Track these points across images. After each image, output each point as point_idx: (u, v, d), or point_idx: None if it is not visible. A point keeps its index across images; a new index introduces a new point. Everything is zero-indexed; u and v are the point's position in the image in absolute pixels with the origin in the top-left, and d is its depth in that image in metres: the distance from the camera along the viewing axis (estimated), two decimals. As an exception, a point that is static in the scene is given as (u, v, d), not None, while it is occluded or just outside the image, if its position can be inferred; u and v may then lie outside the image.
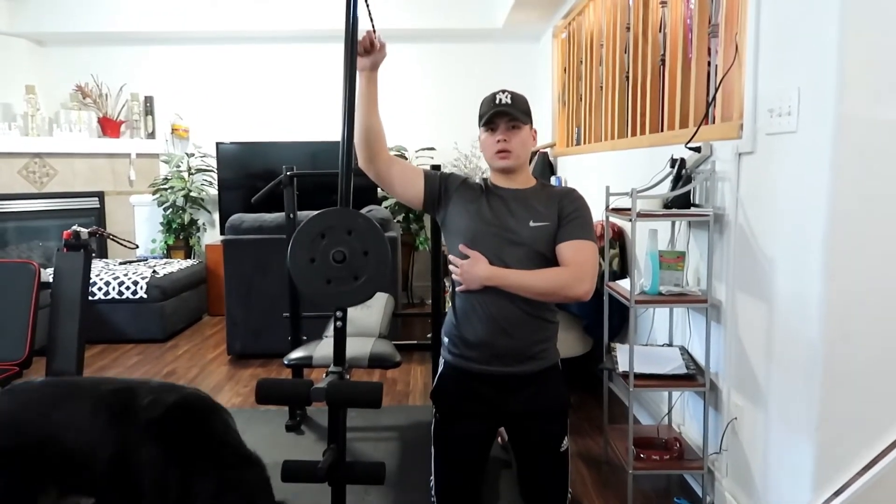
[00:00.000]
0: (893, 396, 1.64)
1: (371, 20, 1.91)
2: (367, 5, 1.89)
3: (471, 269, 1.96)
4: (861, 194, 1.58)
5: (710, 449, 2.16)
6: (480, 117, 2.06)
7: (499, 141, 2.00)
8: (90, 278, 2.70)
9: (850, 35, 1.53)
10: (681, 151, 2.30)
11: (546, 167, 4.79)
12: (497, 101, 2.00)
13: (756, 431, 1.94)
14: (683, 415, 2.46)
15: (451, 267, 2.02)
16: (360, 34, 1.87)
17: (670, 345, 2.47)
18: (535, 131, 2.05)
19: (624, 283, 2.35)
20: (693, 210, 2.20)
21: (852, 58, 1.53)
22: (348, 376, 1.97)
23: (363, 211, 4.15)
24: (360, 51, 1.89)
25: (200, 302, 5.00)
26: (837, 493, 1.62)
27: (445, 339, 2.11)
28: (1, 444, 1.72)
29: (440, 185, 2.09)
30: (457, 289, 2.02)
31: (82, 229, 2.62)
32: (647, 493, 2.25)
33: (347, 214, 1.91)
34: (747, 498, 1.98)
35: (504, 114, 1.98)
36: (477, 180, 2.16)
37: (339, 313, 1.94)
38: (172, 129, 5.50)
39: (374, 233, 1.88)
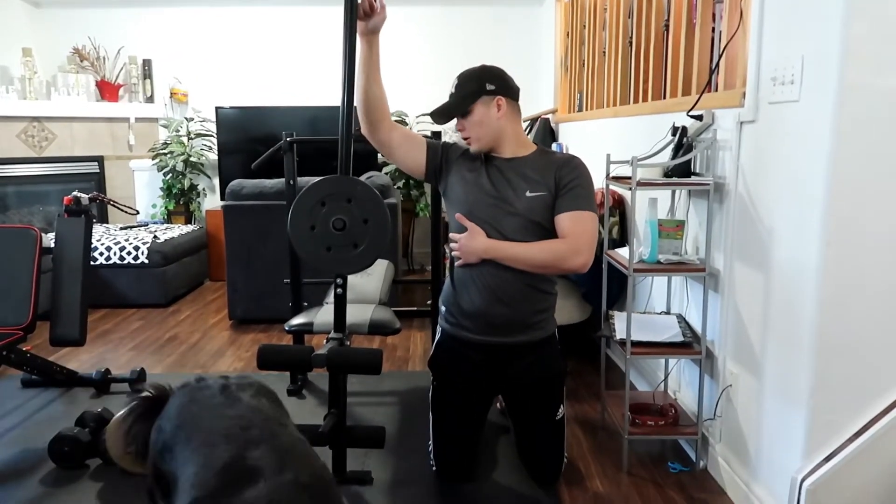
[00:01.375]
0: (885, 365, 1.66)
1: None
2: None
3: (469, 242, 1.97)
4: (862, 165, 1.58)
5: (705, 415, 2.19)
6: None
7: (460, 131, 2.04)
8: (91, 243, 2.71)
9: (854, 4, 1.51)
10: (683, 119, 2.28)
11: (547, 134, 4.77)
12: (440, 106, 2.04)
13: (750, 398, 1.97)
14: (679, 381, 2.49)
15: (450, 245, 2.04)
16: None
17: (668, 313, 2.49)
18: (501, 99, 2.00)
19: (623, 252, 2.36)
20: (693, 179, 2.20)
21: (856, 27, 1.51)
22: (349, 343, 2.00)
23: (363, 177, 4.15)
24: (359, 14, 1.87)
25: (201, 267, 5.02)
26: (827, 459, 1.65)
27: (443, 308, 2.13)
28: None
29: (442, 154, 2.10)
30: (455, 264, 2.04)
31: (83, 195, 2.63)
32: (642, 456, 2.30)
33: (347, 182, 1.92)
34: (740, 463, 2.02)
35: (441, 114, 2.02)
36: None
37: (339, 280, 1.96)
38: (171, 93, 5.46)
39: (374, 201, 1.89)
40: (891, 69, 1.54)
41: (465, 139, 2.05)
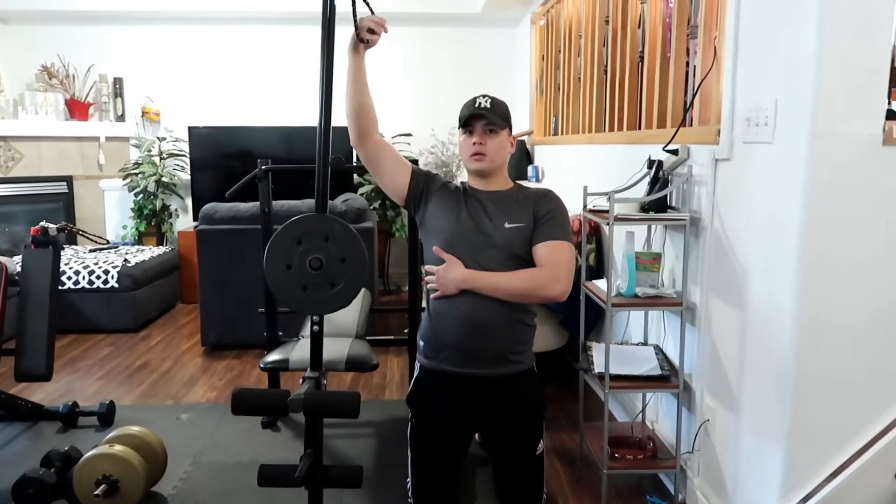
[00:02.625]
0: (861, 405, 1.68)
1: (368, 6, 1.89)
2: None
3: (446, 273, 1.95)
4: (834, 207, 1.60)
5: (683, 448, 2.20)
6: (460, 120, 2.05)
7: (475, 143, 2.00)
8: (59, 275, 2.64)
9: (825, 51, 1.54)
10: (658, 151, 2.30)
11: (523, 155, 4.79)
12: (476, 105, 1.99)
13: (728, 434, 1.97)
14: (657, 412, 2.50)
15: (426, 277, 2.01)
16: (350, 16, 1.84)
17: (645, 343, 2.49)
18: (514, 138, 2.04)
19: (600, 284, 2.37)
20: (670, 214, 2.21)
21: (827, 73, 1.54)
22: (325, 381, 1.96)
23: (339, 199, 4.12)
24: (362, 37, 1.88)
25: (173, 289, 4.93)
26: (805, 500, 1.66)
27: (420, 343, 2.10)
28: None
29: (424, 183, 2.08)
30: (432, 296, 2.01)
31: (50, 225, 2.57)
32: (620, 489, 2.29)
33: (324, 220, 1.89)
34: (718, 498, 2.03)
35: (481, 117, 1.98)
36: (457, 183, 2.16)
37: (315, 318, 1.93)
38: (143, 112, 5.38)
39: (352, 239, 1.87)
40: (861, 115, 1.57)
41: (475, 154, 2.01)
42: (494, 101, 2.02)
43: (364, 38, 1.87)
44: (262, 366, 2.37)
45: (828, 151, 1.57)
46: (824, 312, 1.64)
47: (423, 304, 2.14)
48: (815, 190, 1.59)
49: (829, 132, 1.56)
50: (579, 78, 3.78)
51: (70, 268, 4.17)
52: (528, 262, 1.99)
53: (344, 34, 1.87)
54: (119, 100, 5.35)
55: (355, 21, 1.89)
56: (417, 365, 2.12)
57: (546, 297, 1.92)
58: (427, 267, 2.02)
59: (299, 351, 2.32)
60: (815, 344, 1.65)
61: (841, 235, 1.61)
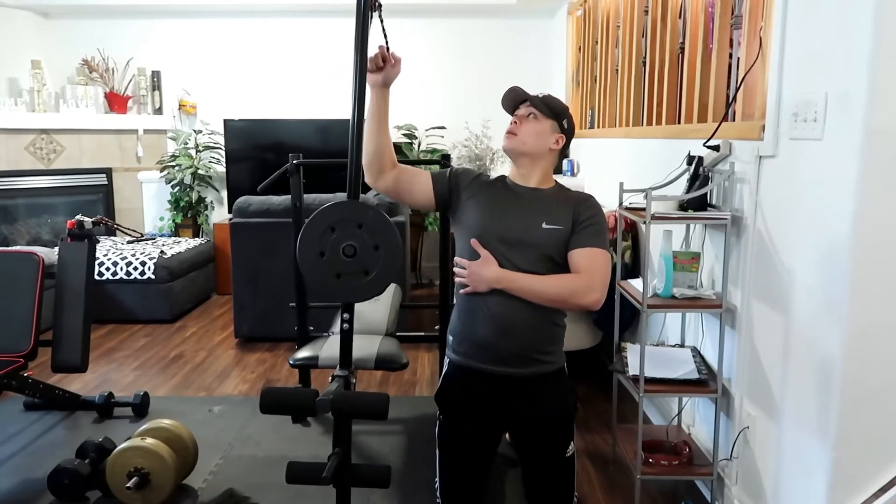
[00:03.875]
0: (913, 416, 1.59)
1: (384, 34, 1.84)
2: (381, 19, 1.82)
3: (479, 270, 1.91)
4: (888, 210, 1.51)
5: (721, 455, 2.13)
6: (507, 104, 2.02)
7: (512, 122, 1.96)
8: (94, 268, 2.67)
9: (882, 42, 1.45)
10: (697, 147, 2.22)
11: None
12: (517, 89, 1.96)
13: (769, 442, 1.90)
14: (693, 416, 2.43)
15: (456, 270, 1.97)
16: (373, 49, 1.80)
17: (682, 345, 2.42)
18: (563, 137, 1.96)
19: (636, 283, 2.30)
20: (710, 213, 2.13)
21: (884, 66, 1.45)
22: (354, 380, 1.94)
23: (370, 194, 4.11)
24: (371, 67, 1.84)
25: (208, 281, 4.99)
26: (851, 515, 1.58)
27: (450, 338, 2.07)
28: None
29: (450, 181, 2.05)
30: (461, 291, 1.97)
31: (86, 219, 2.60)
32: (654, 495, 2.23)
33: (358, 207, 1.85)
34: (757, 508, 1.95)
35: (526, 100, 1.95)
36: (493, 176, 2.11)
37: (345, 315, 1.90)
38: (180, 105, 5.44)
39: (385, 227, 1.83)
40: (920, 110, 1.47)
41: (509, 132, 1.97)
42: (548, 96, 1.98)
43: (373, 67, 1.85)
44: (291, 363, 2.36)
45: (882, 149, 1.48)
46: (875, 318, 1.55)
47: (454, 298, 2.11)
48: (868, 190, 1.50)
49: (885, 129, 1.47)
50: (617, 70, 3.69)
51: (108, 258, 4.25)
52: (560, 264, 1.94)
53: (377, 27, 1.83)
54: (157, 93, 5.42)
55: (385, 38, 1.86)
56: (446, 360, 2.09)
57: (579, 305, 1.88)
58: (458, 260, 1.97)
59: (329, 348, 2.30)
60: (865, 350, 1.56)
61: (895, 238, 1.52)
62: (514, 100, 1.97)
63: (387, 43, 1.84)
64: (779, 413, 1.84)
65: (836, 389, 1.59)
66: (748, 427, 2.00)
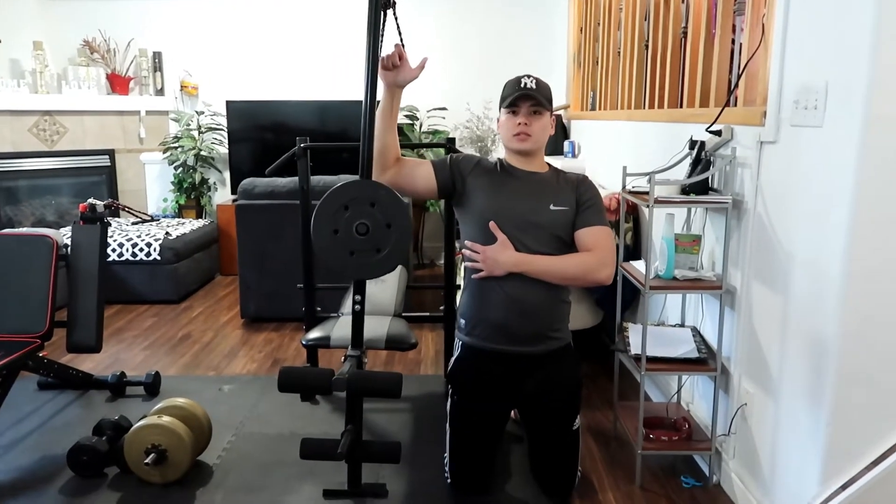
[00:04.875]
0: (905, 394, 1.66)
1: (399, 33, 1.88)
2: (396, 17, 1.85)
3: (496, 255, 1.97)
4: (886, 197, 1.56)
5: (719, 431, 2.20)
6: (503, 99, 2.05)
7: (520, 124, 2.01)
8: (107, 250, 2.72)
9: (884, 32, 1.48)
10: (699, 131, 2.26)
11: (559, 130, 4.74)
12: (522, 85, 2.00)
13: (765, 418, 1.97)
14: (693, 393, 2.50)
15: (467, 253, 2.03)
16: (388, 48, 1.83)
17: (682, 325, 2.48)
18: (555, 118, 2.05)
19: (638, 265, 2.36)
20: (712, 196, 2.18)
21: (885, 56, 1.49)
22: (365, 360, 2.01)
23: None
24: (386, 64, 1.90)
25: (213, 262, 5.04)
26: (844, 487, 1.65)
27: (462, 321, 2.14)
28: None
29: (451, 168, 2.10)
30: (474, 276, 2.03)
31: (98, 202, 2.64)
32: (654, 470, 2.31)
33: (371, 186, 1.90)
34: (754, 481, 2.03)
35: (528, 97, 2.00)
36: (493, 160, 2.16)
37: (357, 297, 1.96)
38: (182, 86, 5.44)
39: (397, 205, 1.88)
40: (918, 99, 1.52)
41: (520, 134, 2.02)
42: (539, 82, 2.03)
43: (386, 65, 1.89)
44: (303, 343, 2.42)
45: (882, 138, 1.53)
46: (871, 301, 1.61)
47: (461, 280, 2.16)
48: (866, 178, 1.55)
49: (885, 118, 1.52)
50: (619, 52, 3.71)
51: (114, 240, 4.29)
52: (568, 243, 2.03)
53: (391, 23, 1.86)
54: (158, 74, 5.42)
55: (400, 37, 1.90)
56: (458, 343, 2.15)
57: (594, 281, 1.98)
58: (469, 244, 2.03)
59: (340, 328, 2.36)
60: (860, 330, 1.62)
61: (892, 225, 1.58)
62: (516, 93, 2.01)
63: (401, 39, 1.87)
64: (776, 390, 1.91)
65: (832, 367, 1.65)
66: (746, 404, 2.07)
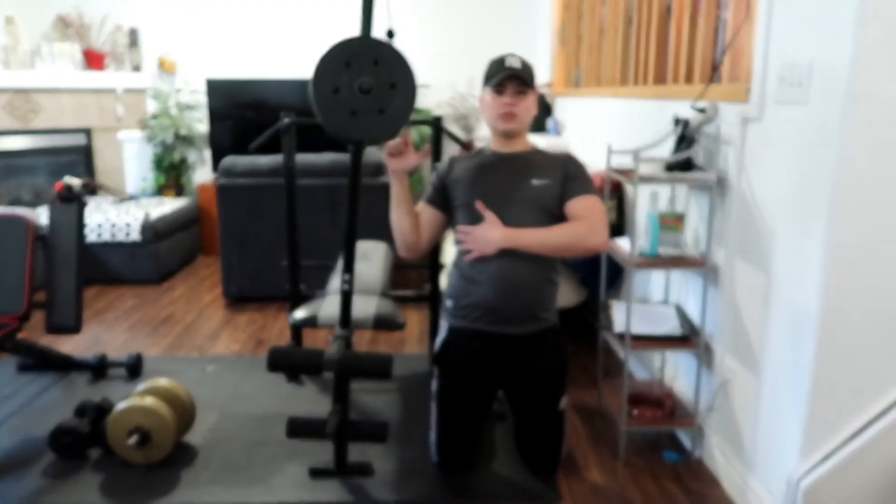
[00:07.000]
0: (883, 367, 1.68)
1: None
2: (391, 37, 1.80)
3: (486, 234, 1.97)
4: (869, 174, 1.57)
5: (701, 406, 2.22)
6: (488, 79, 2.04)
7: (506, 104, 2.00)
8: (84, 230, 2.68)
9: (867, 9, 1.48)
10: (683, 108, 2.26)
11: (542, 108, 4.71)
12: (507, 65, 1.98)
13: (748, 394, 1.99)
14: (676, 369, 2.52)
15: (459, 236, 2.02)
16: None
17: (666, 302, 2.50)
18: (537, 96, 2.05)
19: (623, 242, 2.36)
20: (696, 174, 2.18)
21: (869, 34, 1.49)
22: (353, 340, 2.00)
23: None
24: (392, 151, 1.91)
25: (194, 242, 4.98)
26: (825, 459, 1.68)
27: (449, 303, 2.13)
28: None
29: (437, 190, 2.15)
30: (465, 258, 2.02)
31: (74, 181, 2.59)
32: (638, 445, 2.34)
33: (373, 43, 1.80)
34: (736, 455, 2.06)
35: (515, 77, 1.98)
36: (474, 150, 2.18)
37: (346, 275, 1.95)
38: (160, 63, 5.33)
39: (402, 64, 1.79)
40: (901, 76, 1.52)
41: (507, 114, 2.01)
42: (524, 62, 2.01)
43: (392, 153, 1.92)
44: (291, 322, 2.40)
45: (865, 116, 1.53)
46: (850, 276, 1.63)
47: (449, 262, 2.16)
48: (848, 155, 1.55)
49: (868, 96, 1.52)
50: (603, 29, 3.68)
51: (94, 220, 4.22)
52: (556, 215, 2.03)
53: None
54: (135, 49, 5.30)
55: (390, 35, 1.87)
56: (445, 325, 2.15)
57: (588, 248, 1.98)
58: (460, 227, 2.03)
59: (327, 307, 2.34)
60: (840, 306, 1.64)
61: (873, 203, 1.59)
62: (503, 74, 1.99)
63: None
64: (758, 366, 1.93)
65: (812, 342, 1.67)
66: (728, 380, 2.09)
